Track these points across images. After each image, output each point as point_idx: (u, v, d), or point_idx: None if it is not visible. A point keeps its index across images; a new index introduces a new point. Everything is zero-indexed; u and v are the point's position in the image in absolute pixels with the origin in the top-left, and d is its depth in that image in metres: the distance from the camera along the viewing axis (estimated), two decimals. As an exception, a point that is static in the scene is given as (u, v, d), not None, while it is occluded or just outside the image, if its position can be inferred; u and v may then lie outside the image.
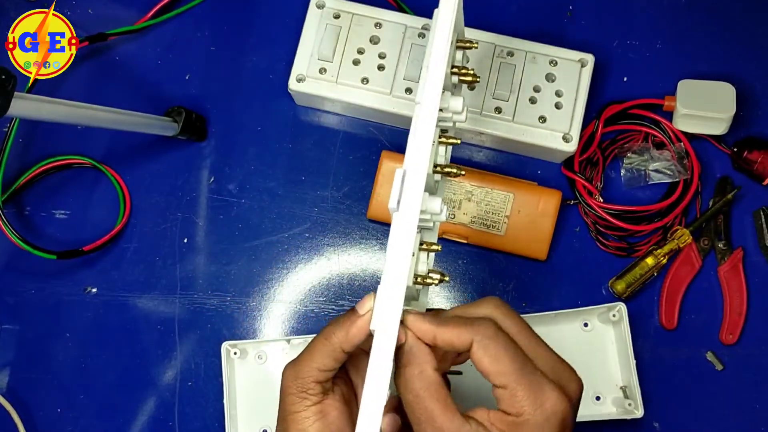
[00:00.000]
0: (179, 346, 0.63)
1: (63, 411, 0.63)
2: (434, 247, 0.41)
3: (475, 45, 0.45)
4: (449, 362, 0.43)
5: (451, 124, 0.45)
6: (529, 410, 0.35)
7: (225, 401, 0.59)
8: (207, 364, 0.62)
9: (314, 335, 0.41)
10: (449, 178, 0.45)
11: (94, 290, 0.64)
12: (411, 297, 0.41)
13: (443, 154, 0.44)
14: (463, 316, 0.38)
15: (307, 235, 0.64)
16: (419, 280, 0.40)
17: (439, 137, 0.44)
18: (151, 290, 0.64)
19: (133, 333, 0.63)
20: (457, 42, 0.45)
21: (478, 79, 0.45)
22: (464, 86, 0.48)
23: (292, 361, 0.41)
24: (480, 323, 0.37)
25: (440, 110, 0.42)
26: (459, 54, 0.46)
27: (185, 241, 0.65)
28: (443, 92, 0.41)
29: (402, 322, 0.38)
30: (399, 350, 0.38)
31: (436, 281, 0.40)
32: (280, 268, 0.64)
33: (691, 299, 0.62)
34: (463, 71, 0.45)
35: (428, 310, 0.42)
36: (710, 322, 0.62)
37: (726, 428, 0.61)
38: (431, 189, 0.43)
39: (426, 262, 0.41)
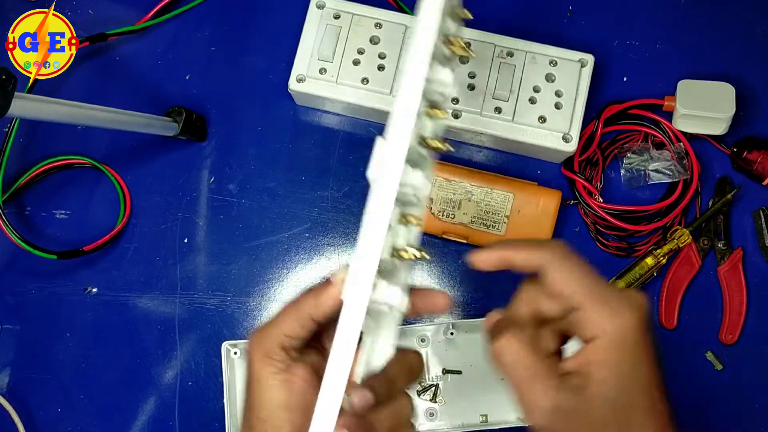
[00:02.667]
0: (179, 345, 0.63)
1: (63, 411, 0.63)
2: (412, 219, 0.40)
3: (470, 15, 0.44)
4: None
5: (440, 98, 0.43)
6: (608, 329, 0.34)
7: (225, 401, 0.59)
8: (207, 364, 0.63)
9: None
10: (438, 152, 0.42)
11: (95, 290, 0.64)
12: (387, 271, 0.39)
13: (431, 128, 0.42)
14: (534, 240, 0.40)
15: (307, 235, 0.64)
16: (396, 253, 0.39)
17: (427, 108, 0.42)
18: (151, 290, 0.64)
19: (133, 333, 0.63)
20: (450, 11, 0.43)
21: (472, 54, 0.44)
22: (458, 61, 0.47)
23: (259, 326, 0.40)
24: (551, 245, 0.37)
25: (426, 80, 0.40)
26: (453, 26, 0.43)
27: (185, 241, 0.65)
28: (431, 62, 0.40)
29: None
30: (494, 326, 0.39)
31: (414, 256, 0.39)
32: (280, 268, 0.64)
33: (690, 299, 0.62)
34: (454, 42, 0.43)
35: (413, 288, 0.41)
36: (710, 321, 0.62)
37: (726, 428, 0.61)
38: (416, 162, 0.41)
39: (406, 237, 0.40)
